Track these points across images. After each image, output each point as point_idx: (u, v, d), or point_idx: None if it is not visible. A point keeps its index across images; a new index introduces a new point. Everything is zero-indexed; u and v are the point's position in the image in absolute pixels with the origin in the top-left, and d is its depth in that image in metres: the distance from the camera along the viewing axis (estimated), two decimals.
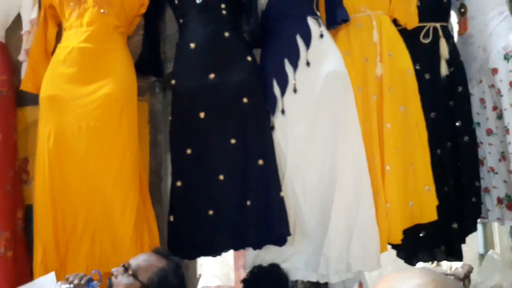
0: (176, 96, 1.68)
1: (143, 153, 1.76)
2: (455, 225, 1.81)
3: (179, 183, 1.62)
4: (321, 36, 1.67)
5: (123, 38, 1.70)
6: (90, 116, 1.53)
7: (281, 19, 1.70)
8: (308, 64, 1.65)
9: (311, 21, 1.69)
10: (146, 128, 1.81)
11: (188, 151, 1.61)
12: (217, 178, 1.59)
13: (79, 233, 1.45)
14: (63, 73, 1.58)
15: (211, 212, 1.58)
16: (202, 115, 1.62)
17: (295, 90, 1.64)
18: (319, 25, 1.70)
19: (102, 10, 1.60)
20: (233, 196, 1.58)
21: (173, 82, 1.69)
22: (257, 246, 1.60)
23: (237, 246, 1.63)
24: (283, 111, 1.65)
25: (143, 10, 1.77)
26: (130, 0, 1.70)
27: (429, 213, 1.69)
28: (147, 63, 1.78)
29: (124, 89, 1.60)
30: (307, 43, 1.66)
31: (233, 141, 1.60)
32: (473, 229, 1.89)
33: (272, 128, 1.67)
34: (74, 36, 1.60)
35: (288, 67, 1.66)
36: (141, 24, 1.83)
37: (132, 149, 1.57)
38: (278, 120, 1.66)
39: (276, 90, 1.67)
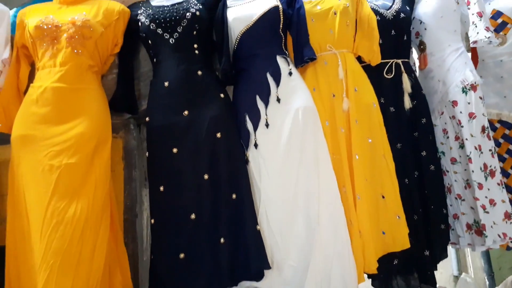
0: (150, 133, 1.70)
1: (117, 190, 1.76)
2: (426, 252, 1.86)
3: (152, 221, 1.61)
4: (290, 74, 1.75)
5: (97, 77, 1.72)
6: (63, 154, 1.52)
7: (251, 58, 1.78)
8: (278, 100, 1.71)
9: (280, 60, 1.76)
10: (121, 164, 1.82)
11: (161, 188, 1.61)
12: (189, 217, 1.57)
13: (44, 273, 1.40)
14: (36, 113, 1.57)
15: (182, 255, 1.54)
16: (175, 150, 1.63)
17: (267, 125, 1.70)
18: (288, 63, 1.78)
19: (75, 51, 1.62)
20: (205, 236, 1.56)
21: (147, 119, 1.71)
22: (234, 283, 1.57)
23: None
24: (256, 145, 1.69)
25: (117, 49, 1.81)
26: (104, 40, 1.73)
27: (401, 241, 1.73)
28: (121, 101, 1.80)
29: (98, 128, 1.60)
30: (277, 80, 1.73)
31: (206, 176, 1.61)
32: (444, 255, 1.93)
33: (247, 161, 1.70)
34: (47, 76, 1.60)
35: (260, 103, 1.72)
36: (115, 62, 1.86)
37: (104, 188, 1.56)
38: (251, 154, 1.70)
39: (249, 125, 1.71)
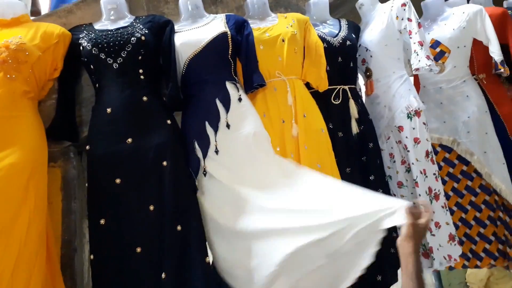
0: (91, 163, 1.61)
1: (54, 223, 1.65)
2: (379, 277, 1.87)
3: (92, 257, 1.51)
4: (240, 100, 1.74)
5: (33, 104, 1.62)
6: None
7: (200, 84, 1.75)
8: (228, 126, 1.68)
9: (229, 86, 1.75)
10: (59, 196, 1.71)
11: (102, 221, 1.52)
12: (134, 251, 1.49)
13: None
14: None
15: None
16: (118, 181, 1.55)
17: (216, 152, 1.66)
18: (238, 89, 1.76)
19: (8, 76, 1.52)
20: (150, 270, 1.48)
21: (88, 147, 1.62)
22: None
23: None
24: (205, 173, 1.65)
25: (57, 74, 1.72)
26: (42, 65, 1.64)
27: None
28: (60, 128, 1.71)
29: (31, 158, 1.49)
30: (227, 106, 1.71)
31: (151, 207, 1.54)
32: (394, 280, 1.94)
33: (196, 190, 1.65)
34: None
35: (209, 130, 1.68)
36: (54, 87, 1.76)
37: (39, 222, 1.44)
38: (201, 182, 1.65)
39: (198, 152, 1.67)
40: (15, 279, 1.34)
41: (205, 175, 1.64)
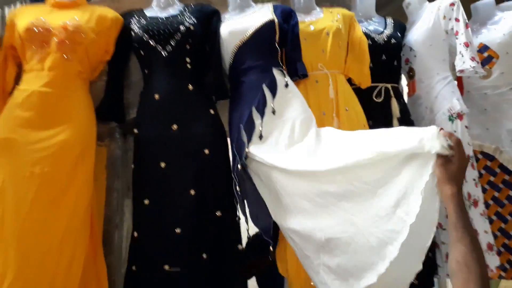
0: (137, 145, 1.68)
1: (98, 200, 1.72)
2: (415, 281, 1.84)
3: (135, 234, 1.58)
4: (286, 85, 1.72)
5: (85, 84, 1.69)
6: (45, 161, 1.47)
7: (247, 71, 1.75)
8: (273, 112, 1.67)
9: (276, 72, 1.74)
10: (103, 174, 1.78)
11: (146, 201, 1.58)
12: (174, 231, 1.55)
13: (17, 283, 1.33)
14: (20, 117, 1.52)
15: (167, 267, 1.53)
16: (162, 165, 1.61)
17: (260, 137, 1.65)
18: (284, 75, 1.75)
19: (65, 56, 1.59)
20: (189, 250, 1.55)
21: (135, 131, 1.69)
22: None
23: None
24: (247, 157, 1.65)
25: (108, 57, 1.78)
26: (95, 47, 1.70)
27: None
28: (108, 109, 1.78)
29: (82, 136, 1.57)
30: (273, 92, 1.70)
31: (192, 192, 1.59)
32: (431, 285, 1.91)
33: (232, 179, 1.67)
34: (34, 80, 1.56)
35: (255, 115, 1.67)
36: (105, 70, 1.83)
37: (85, 198, 1.52)
38: (248, 165, 1.64)
39: (244, 136, 1.67)
40: (63, 248, 1.42)
41: (246, 159, 1.65)
